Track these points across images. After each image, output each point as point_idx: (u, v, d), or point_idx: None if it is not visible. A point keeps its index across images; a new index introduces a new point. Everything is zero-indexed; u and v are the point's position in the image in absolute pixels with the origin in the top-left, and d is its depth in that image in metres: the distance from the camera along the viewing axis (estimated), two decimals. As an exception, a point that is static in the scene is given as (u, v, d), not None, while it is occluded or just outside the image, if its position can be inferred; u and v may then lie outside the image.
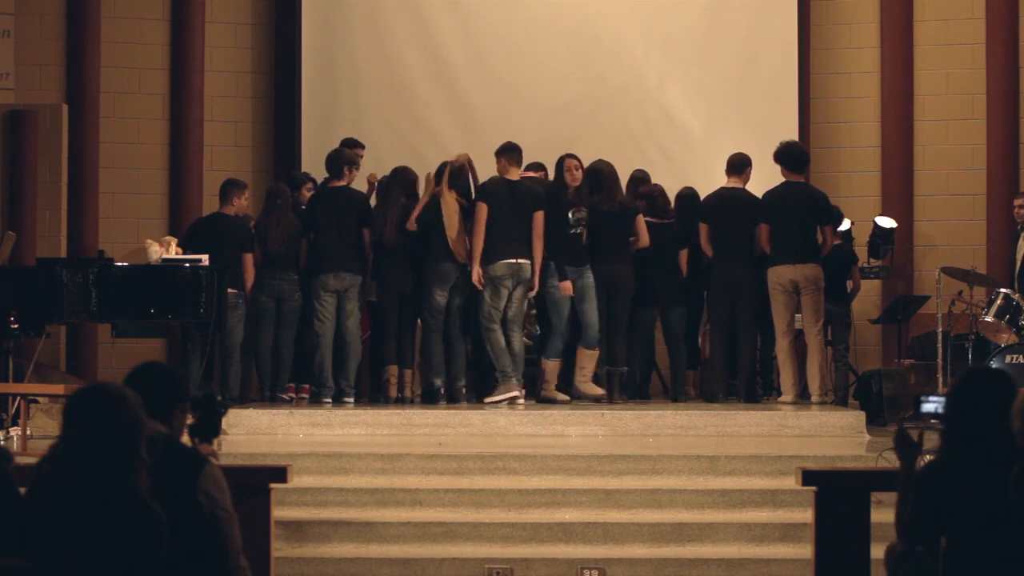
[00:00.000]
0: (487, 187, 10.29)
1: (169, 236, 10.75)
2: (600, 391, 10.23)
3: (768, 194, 10.60)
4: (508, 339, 10.13)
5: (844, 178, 12.98)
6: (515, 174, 10.29)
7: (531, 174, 10.93)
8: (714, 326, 10.84)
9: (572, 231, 10.20)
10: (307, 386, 10.63)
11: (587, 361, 10.26)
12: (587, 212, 10.23)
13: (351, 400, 10.30)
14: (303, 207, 10.81)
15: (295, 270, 10.54)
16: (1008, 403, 4.32)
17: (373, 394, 10.80)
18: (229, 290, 10.06)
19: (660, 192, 11.08)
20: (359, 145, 11.26)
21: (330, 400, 10.23)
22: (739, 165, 10.80)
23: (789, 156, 10.55)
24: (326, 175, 10.72)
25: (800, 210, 10.40)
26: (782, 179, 10.59)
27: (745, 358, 10.76)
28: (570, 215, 10.17)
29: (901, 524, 4.53)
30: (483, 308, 10.12)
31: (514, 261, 10.10)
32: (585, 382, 10.24)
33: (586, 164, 10.45)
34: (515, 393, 10.01)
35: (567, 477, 7.85)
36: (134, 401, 3.98)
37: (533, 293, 10.29)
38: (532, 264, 10.15)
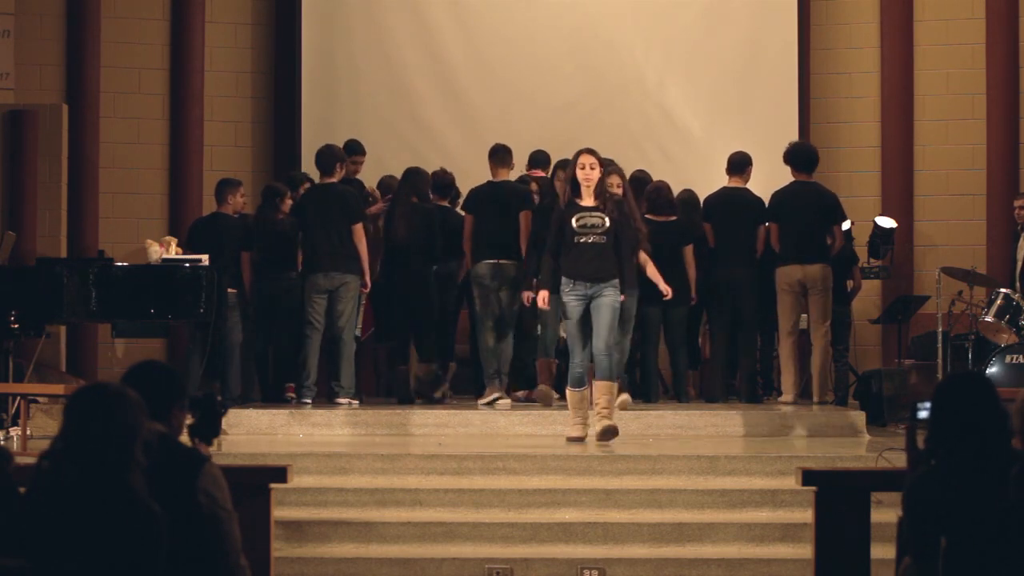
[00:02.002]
0: (472, 195, 10.37)
1: (169, 236, 10.75)
2: (610, 423, 8.41)
3: (777, 193, 10.60)
4: (499, 341, 10.12)
5: (844, 178, 12.96)
6: (504, 175, 10.26)
7: (534, 173, 10.90)
8: (714, 326, 10.83)
9: (577, 239, 8.46)
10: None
11: (599, 394, 8.50)
12: (606, 220, 8.47)
13: (344, 402, 10.06)
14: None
15: (292, 269, 10.52)
16: (988, 402, 4.33)
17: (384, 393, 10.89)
18: (229, 290, 10.06)
19: (656, 188, 10.77)
20: (360, 152, 11.18)
21: (309, 401, 10.08)
22: (740, 164, 10.79)
23: (798, 156, 10.55)
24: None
25: (809, 210, 10.39)
26: (782, 178, 10.59)
27: (745, 358, 10.76)
28: (574, 221, 8.48)
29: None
30: (476, 310, 10.21)
31: (495, 262, 10.08)
32: (599, 419, 8.46)
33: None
34: (496, 395, 9.95)
35: (567, 477, 7.85)
36: (135, 401, 3.97)
37: (526, 296, 9.83)
38: (520, 267, 10.05)
